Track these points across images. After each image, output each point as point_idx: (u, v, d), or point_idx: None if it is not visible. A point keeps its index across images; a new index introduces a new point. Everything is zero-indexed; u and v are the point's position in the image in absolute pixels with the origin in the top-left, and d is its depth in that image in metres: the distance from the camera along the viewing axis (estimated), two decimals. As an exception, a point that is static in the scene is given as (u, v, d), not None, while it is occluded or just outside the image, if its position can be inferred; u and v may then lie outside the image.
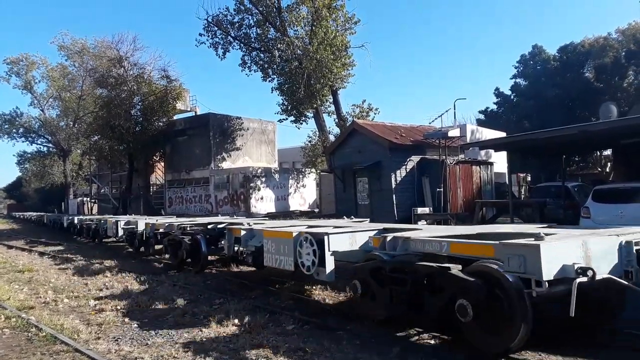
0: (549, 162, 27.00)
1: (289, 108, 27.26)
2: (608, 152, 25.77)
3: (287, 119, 28.11)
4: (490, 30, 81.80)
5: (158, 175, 36.16)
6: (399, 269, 6.04)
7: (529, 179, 28.02)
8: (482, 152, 22.35)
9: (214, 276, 11.38)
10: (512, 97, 39.46)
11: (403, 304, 5.99)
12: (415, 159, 19.89)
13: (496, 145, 18.60)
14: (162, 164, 35.18)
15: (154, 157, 34.78)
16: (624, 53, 33.63)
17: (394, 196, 19.13)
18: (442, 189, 18.90)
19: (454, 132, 20.26)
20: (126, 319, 7.51)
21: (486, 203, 19.33)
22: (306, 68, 24.57)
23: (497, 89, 40.67)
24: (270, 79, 27.46)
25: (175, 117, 34.39)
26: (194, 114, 36.83)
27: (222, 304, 8.22)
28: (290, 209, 27.72)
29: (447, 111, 22.76)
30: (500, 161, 21.14)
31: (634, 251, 5.03)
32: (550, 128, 15.06)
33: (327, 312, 7.43)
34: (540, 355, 5.32)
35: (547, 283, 4.47)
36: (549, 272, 4.48)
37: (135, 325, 7.20)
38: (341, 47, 25.59)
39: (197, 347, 5.95)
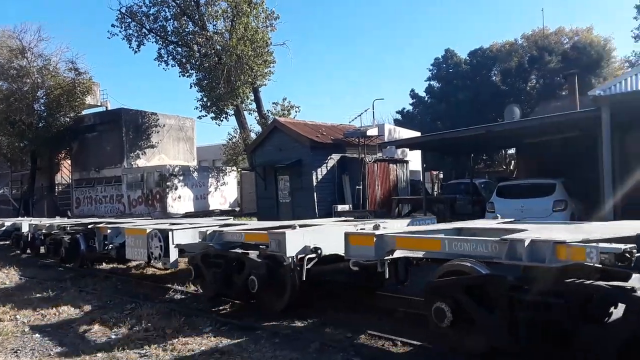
0: (459, 161, 28.51)
1: (209, 104, 26.55)
2: (512, 150, 27.65)
3: (206, 115, 27.36)
4: (408, 33, 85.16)
5: (64, 175, 33.75)
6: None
7: (441, 176, 29.49)
8: (399, 151, 23.19)
9: (124, 280, 10.78)
10: (426, 98, 41.21)
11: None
12: (335, 157, 20.18)
13: (411, 144, 19.39)
14: (69, 162, 32.88)
15: (60, 155, 32.43)
16: (527, 58, 36.26)
17: (315, 194, 19.27)
18: (361, 187, 19.34)
19: (373, 132, 20.82)
20: (26, 329, 6.95)
21: (402, 199, 20.09)
22: (226, 64, 24.05)
23: (412, 90, 42.32)
24: (188, 74, 26.58)
25: (84, 112, 32.25)
26: (104, 109, 34.74)
27: (134, 309, 7.78)
28: (210, 208, 27.02)
29: (365, 111, 23.39)
30: (415, 159, 22.00)
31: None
32: (463, 128, 15.93)
33: (247, 312, 7.29)
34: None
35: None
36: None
37: (37, 335, 6.67)
38: (262, 44, 25.33)
39: (106, 357, 5.58)
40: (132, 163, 29.52)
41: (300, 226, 7.08)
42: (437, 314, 4.90)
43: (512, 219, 7.41)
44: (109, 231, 10.70)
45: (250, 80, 25.20)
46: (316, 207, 19.07)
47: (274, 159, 20.65)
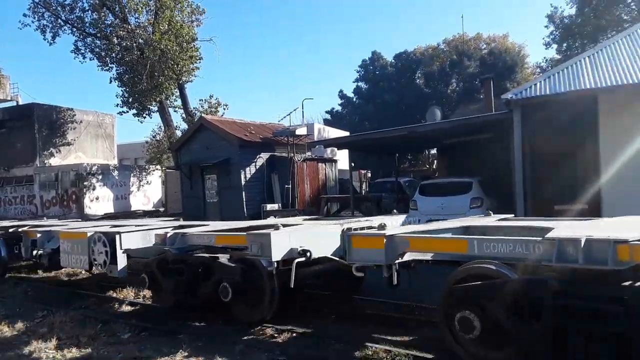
0: (386, 160, 29.29)
1: (130, 100, 25.37)
2: (435, 150, 28.80)
3: (128, 111, 26.13)
4: (336, 34, 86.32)
5: (-31, 174, 30.88)
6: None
7: (369, 175, 30.16)
8: (328, 150, 23.41)
9: (36, 286, 10.05)
10: (354, 99, 42.03)
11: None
12: (264, 156, 20.02)
13: (339, 143, 19.66)
14: (-26, 160, 30.11)
15: (-37, 153, 29.61)
16: (448, 62, 37.99)
17: (243, 193, 19.01)
18: (290, 186, 19.34)
19: (302, 131, 20.89)
20: None
21: (331, 198, 20.31)
22: (149, 58, 23.10)
23: (341, 91, 43.05)
24: (107, 67, 25.27)
25: (-9, 107, 29.70)
26: (15, 104, 32.18)
27: (45, 316, 7.29)
28: (132, 209, 25.86)
29: (295, 110, 23.49)
30: (345, 159, 22.34)
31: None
32: (389, 128, 16.40)
33: (169, 316, 7.03)
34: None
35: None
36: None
37: None
38: (187, 39, 24.60)
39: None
40: (46, 162, 27.56)
41: (283, 225, 6.23)
42: (463, 324, 4.33)
43: (509, 215, 7.13)
44: (38, 235, 9.40)
45: (175, 76, 24.39)
46: (245, 206, 18.84)
47: (200, 158, 20.14)
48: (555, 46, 33.38)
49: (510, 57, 35.99)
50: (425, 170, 32.63)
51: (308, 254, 5.64)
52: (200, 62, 25.92)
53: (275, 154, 20.37)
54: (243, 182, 19.08)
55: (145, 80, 23.39)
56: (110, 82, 25.40)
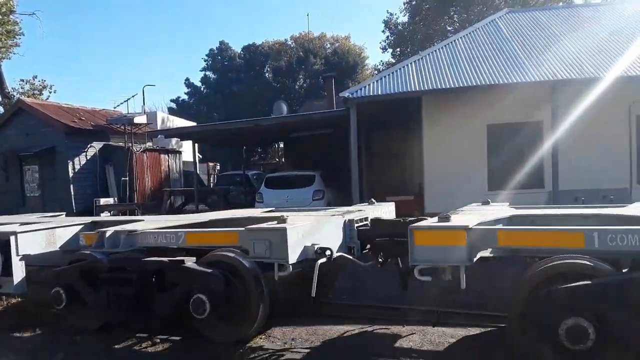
0: (235, 152, 28.99)
1: None
2: (282, 144, 29.33)
3: None
4: (182, 19, 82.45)
5: None
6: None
7: (218, 167, 29.58)
8: (173, 141, 22.31)
9: None
10: (202, 88, 40.82)
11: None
12: (97, 145, 18.23)
13: (184, 134, 18.83)
14: None
15: None
16: (295, 58, 38.92)
17: (71, 186, 17.10)
18: (127, 178, 17.95)
19: (141, 119, 19.49)
20: None
21: (174, 191, 19.39)
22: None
23: (187, 79, 41.49)
24: None
25: None
26: None
27: None
28: None
29: (134, 96, 21.77)
30: (191, 150, 21.47)
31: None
32: (235, 120, 16.18)
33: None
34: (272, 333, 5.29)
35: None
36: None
37: None
38: (4, 11, 21.34)
39: None
40: None
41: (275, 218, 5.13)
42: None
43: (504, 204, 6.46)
44: None
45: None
46: (73, 200, 16.98)
47: (18, 146, 17.59)
48: (390, 50, 36.34)
49: (352, 58, 38.23)
50: (274, 164, 33.08)
51: (328, 252, 4.66)
52: (20, 38, 22.72)
53: (111, 143, 18.71)
54: (71, 174, 17.16)
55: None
56: None
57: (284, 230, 4.44)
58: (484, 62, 12.28)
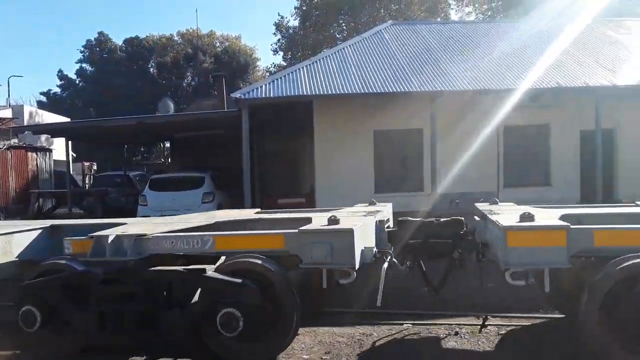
0: (115, 151, 27.18)
1: None
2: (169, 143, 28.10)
3: None
4: (55, 6, 75.16)
5: None
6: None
7: (95, 167, 27.48)
8: (43, 138, 20.31)
9: None
10: (78, 81, 37.69)
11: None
12: (-52, 141, 15.95)
13: (57, 130, 17.28)
14: None
15: None
16: (183, 55, 37.51)
17: None
18: (-13, 179, 15.92)
19: (6, 113, 17.53)
20: None
21: (44, 193, 17.61)
22: None
23: (60, 71, 38.16)
24: None
25: None
26: None
27: None
28: None
29: (-4, 87, 19.38)
30: (64, 148, 19.67)
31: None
32: (116, 117, 15.11)
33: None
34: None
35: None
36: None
37: None
38: None
39: None
40: None
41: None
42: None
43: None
44: None
45: None
46: None
47: None
48: (281, 53, 36.60)
49: (244, 58, 37.87)
50: (160, 164, 31.66)
51: (388, 258, 4.35)
52: None
53: (-33, 139, 16.48)
54: None
55: None
56: None
57: (351, 232, 3.97)
58: (371, 70, 12.84)
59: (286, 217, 5.63)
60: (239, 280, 4.14)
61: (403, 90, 11.74)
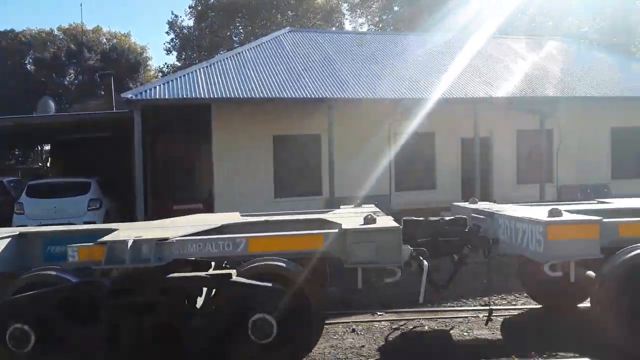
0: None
1: None
2: (49, 147, 25.85)
3: None
4: None
5: None
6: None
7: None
8: None
9: None
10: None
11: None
12: None
13: None
14: None
15: None
16: (65, 51, 34.64)
17: None
18: None
19: None
20: None
21: None
22: None
23: None
24: None
25: None
26: None
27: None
28: None
29: None
30: None
31: None
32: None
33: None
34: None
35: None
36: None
37: None
38: None
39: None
40: None
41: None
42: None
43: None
44: None
45: None
46: None
47: None
48: (175, 53, 35.36)
49: (134, 57, 35.95)
50: (38, 169, 29.05)
51: (423, 257, 4.53)
52: None
53: None
54: None
55: None
56: None
57: (398, 230, 4.14)
58: (270, 75, 12.88)
59: (294, 219, 5.51)
60: (270, 285, 4.06)
61: (301, 96, 11.94)
